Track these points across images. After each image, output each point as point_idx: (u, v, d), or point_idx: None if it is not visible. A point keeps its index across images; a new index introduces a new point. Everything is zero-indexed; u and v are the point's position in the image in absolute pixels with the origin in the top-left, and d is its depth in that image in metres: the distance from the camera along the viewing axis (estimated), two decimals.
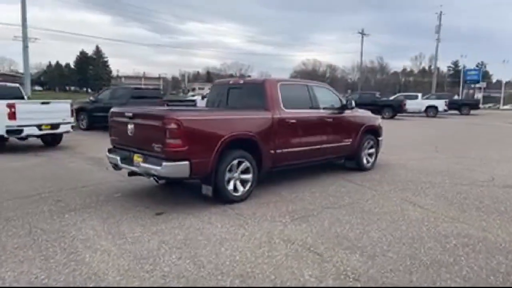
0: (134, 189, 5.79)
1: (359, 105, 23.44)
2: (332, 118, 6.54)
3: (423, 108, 27.51)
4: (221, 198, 5.00)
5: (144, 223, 4.32)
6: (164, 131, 4.43)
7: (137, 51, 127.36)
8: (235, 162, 5.04)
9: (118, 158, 5.17)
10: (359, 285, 2.99)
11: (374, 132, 7.55)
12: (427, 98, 29.83)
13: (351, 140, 6.93)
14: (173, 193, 5.57)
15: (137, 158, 4.97)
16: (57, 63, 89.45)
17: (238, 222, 4.40)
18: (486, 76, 68.68)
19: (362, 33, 52.82)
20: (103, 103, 14.02)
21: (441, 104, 27.58)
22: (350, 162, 7.26)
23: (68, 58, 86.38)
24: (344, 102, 6.83)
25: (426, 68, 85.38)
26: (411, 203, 5.20)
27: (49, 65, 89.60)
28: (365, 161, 7.33)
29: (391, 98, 27.89)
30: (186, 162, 4.52)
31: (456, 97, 40.24)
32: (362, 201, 5.29)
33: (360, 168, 7.22)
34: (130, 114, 4.95)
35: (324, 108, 6.54)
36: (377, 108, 23.81)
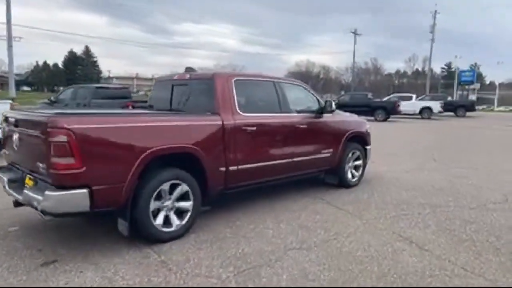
0: (43, 220, 4.36)
1: (351, 106, 22.22)
2: (307, 124, 5.17)
3: (418, 110, 26.28)
4: (145, 236, 3.62)
5: (11, 283, 2.92)
6: (48, 145, 3.04)
7: (131, 52, 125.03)
8: (166, 186, 3.66)
9: (6, 179, 3.76)
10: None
11: (361, 140, 6.19)
12: (421, 99, 28.63)
13: (331, 150, 5.57)
14: (91, 228, 4.16)
15: (28, 181, 3.58)
16: (45, 63, 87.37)
17: (155, 278, 3.02)
18: (479, 77, 67.92)
19: (355, 33, 51.73)
20: (63, 104, 12.61)
21: (436, 105, 26.35)
22: (331, 177, 5.89)
23: (61, 58, 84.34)
24: (323, 103, 5.46)
25: (420, 69, 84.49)
26: (407, 240, 3.85)
27: (36, 65, 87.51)
28: (349, 175, 5.98)
29: (385, 99, 26.65)
30: (84, 190, 3.12)
31: (449, 98, 39.12)
32: (342, 237, 3.93)
33: (343, 184, 5.86)
34: (13, 120, 3.56)
35: (297, 112, 5.18)
36: (369, 109, 22.62)
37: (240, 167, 4.31)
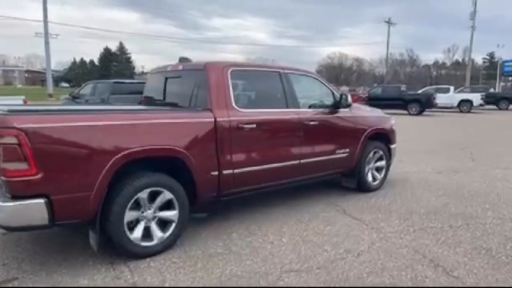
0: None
1: (383, 99, 21.09)
2: (318, 120, 4.54)
3: (456, 103, 24.58)
4: (120, 252, 3.17)
5: None
6: None
7: (165, 48, 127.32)
8: (144, 194, 3.17)
9: None
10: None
11: (384, 138, 5.47)
12: (460, 92, 26.85)
13: (348, 150, 4.91)
14: (71, 238, 3.76)
15: None
16: (82, 59, 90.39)
17: None
18: None
19: (389, 22, 49.58)
20: (84, 99, 12.52)
21: (476, 98, 24.52)
22: (349, 180, 5.23)
23: (97, 55, 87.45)
24: (338, 97, 4.80)
25: (460, 60, 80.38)
26: (432, 263, 3.17)
27: (74, 62, 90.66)
28: (370, 178, 5.29)
29: (420, 91, 25.16)
30: (40, 201, 2.69)
31: (492, 90, 36.66)
32: (352, 256, 3.30)
33: (362, 188, 5.18)
34: None
35: (307, 106, 4.57)
36: (402, 102, 21.44)
37: (236, 170, 3.77)
